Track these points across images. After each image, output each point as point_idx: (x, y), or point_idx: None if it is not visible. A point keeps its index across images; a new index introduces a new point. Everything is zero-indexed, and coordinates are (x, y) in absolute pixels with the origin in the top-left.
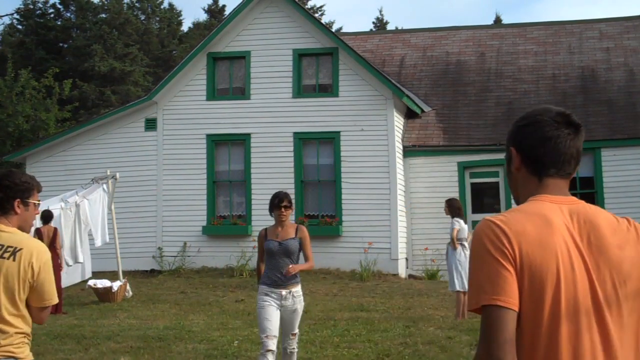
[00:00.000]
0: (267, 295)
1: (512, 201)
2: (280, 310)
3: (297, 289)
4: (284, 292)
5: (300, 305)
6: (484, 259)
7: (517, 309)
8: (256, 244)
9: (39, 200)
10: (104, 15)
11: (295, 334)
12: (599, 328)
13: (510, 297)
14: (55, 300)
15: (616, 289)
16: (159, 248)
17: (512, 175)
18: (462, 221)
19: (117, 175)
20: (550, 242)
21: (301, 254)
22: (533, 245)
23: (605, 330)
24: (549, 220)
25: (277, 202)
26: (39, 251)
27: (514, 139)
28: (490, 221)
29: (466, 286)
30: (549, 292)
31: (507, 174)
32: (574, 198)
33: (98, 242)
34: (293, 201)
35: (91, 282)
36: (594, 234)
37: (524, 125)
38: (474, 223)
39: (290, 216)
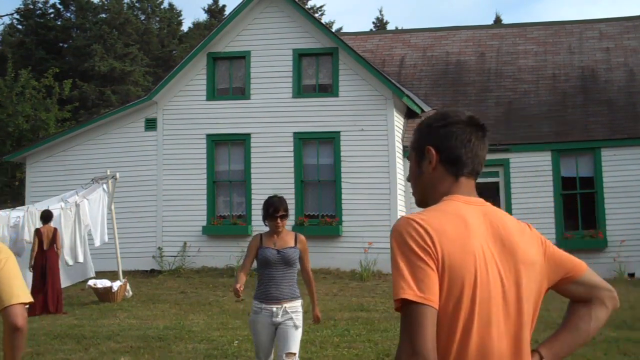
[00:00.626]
0: (256, 313)
1: (512, 201)
2: (276, 327)
3: (294, 305)
4: (274, 308)
5: (298, 320)
6: (408, 256)
7: (437, 307)
8: None
9: None
10: (104, 15)
11: (292, 354)
12: (506, 326)
13: (434, 296)
14: (20, 300)
15: (524, 289)
16: (159, 248)
17: (423, 174)
18: None
19: (117, 175)
20: (468, 243)
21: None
22: (453, 245)
23: (512, 329)
24: (466, 221)
25: (272, 212)
26: None
27: (430, 138)
28: (411, 219)
29: None
30: (466, 294)
31: (416, 173)
32: (483, 200)
33: (97, 242)
34: (289, 206)
35: (91, 282)
36: (505, 236)
37: (442, 126)
38: None
39: (291, 217)
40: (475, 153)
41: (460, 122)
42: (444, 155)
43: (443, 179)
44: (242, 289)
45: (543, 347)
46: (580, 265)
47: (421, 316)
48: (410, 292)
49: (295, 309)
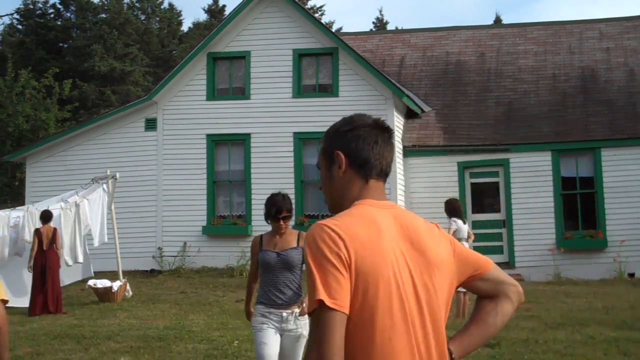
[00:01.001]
0: (263, 316)
1: (512, 201)
2: (281, 335)
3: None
4: (284, 313)
5: (305, 330)
6: (321, 263)
7: (347, 313)
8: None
9: None
10: (104, 15)
11: None
12: (421, 326)
13: (345, 302)
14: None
15: (434, 287)
16: (159, 248)
17: (334, 178)
18: (459, 221)
19: (117, 175)
20: (381, 247)
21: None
22: (366, 250)
23: (425, 329)
24: (378, 225)
25: (275, 213)
26: None
27: (339, 143)
28: (325, 225)
29: None
30: (382, 297)
31: (327, 179)
32: (392, 202)
33: (96, 242)
34: (293, 204)
35: (91, 282)
36: (414, 237)
37: (349, 130)
38: (474, 223)
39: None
40: (382, 154)
41: (366, 125)
42: (352, 158)
43: (353, 182)
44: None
45: (452, 343)
46: (487, 263)
47: (331, 321)
48: (322, 298)
49: (305, 316)
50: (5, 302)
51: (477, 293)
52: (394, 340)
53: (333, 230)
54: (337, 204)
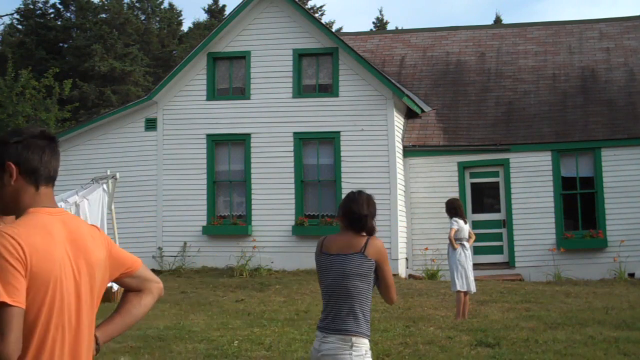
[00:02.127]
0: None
1: (512, 201)
2: None
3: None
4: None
5: None
6: (2, 265)
7: (24, 308)
8: (256, 244)
9: None
10: (104, 15)
11: None
12: (76, 320)
13: (22, 299)
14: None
15: (92, 286)
16: (159, 248)
17: (5, 187)
18: (460, 221)
19: (117, 175)
20: (53, 252)
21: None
22: (40, 256)
23: (80, 318)
24: (50, 232)
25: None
26: None
27: (9, 154)
28: (5, 233)
29: (467, 286)
30: (49, 296)
31: None
32: (62, 209)
33: None
34: (288, 206)
35: None
36: (80, 241)
37: (19, 142)
38: (474, 223)
39: (291, 217)
40: (50, 162)
41: (34, 136)
42: (23, 168)
43: (25, 190)
44: None
45: (98, 330)
46: (136, 262)
47: (11, 316)
48: (3, 296)
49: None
50: None
51: (126, 288)
52: (51, 331)
53: (13, 238)
54: (9, 211)
